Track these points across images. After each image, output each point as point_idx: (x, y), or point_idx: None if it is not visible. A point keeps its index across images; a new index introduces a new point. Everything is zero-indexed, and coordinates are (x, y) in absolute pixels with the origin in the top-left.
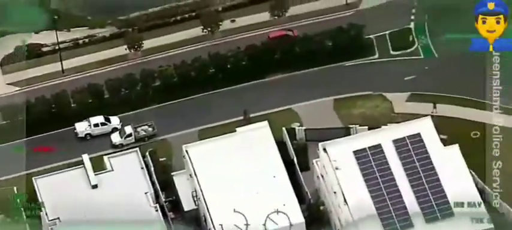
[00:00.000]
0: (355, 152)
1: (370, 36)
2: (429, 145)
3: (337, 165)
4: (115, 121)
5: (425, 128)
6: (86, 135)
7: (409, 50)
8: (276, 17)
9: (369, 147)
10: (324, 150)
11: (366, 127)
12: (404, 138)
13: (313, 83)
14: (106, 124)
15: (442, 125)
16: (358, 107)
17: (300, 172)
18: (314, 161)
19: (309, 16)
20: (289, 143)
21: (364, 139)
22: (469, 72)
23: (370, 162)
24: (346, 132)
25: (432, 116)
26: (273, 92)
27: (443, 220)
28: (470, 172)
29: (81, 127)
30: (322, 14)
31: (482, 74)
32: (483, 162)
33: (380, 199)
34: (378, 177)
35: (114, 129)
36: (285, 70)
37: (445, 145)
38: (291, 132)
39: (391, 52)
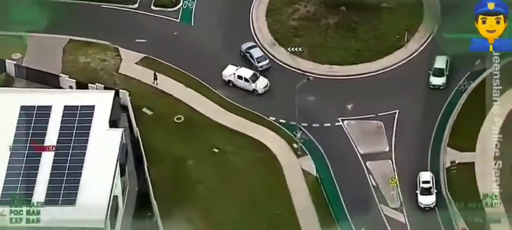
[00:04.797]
0: (23, 107)
1: None
2: (95, 122)
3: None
4: (261, 83)
5: (103, 102)
6: (229, 81)
7: (170, 9)
8: None
9: (38, 106)
10: None
11: (74, 80)
12: (77, 106)
13: (58, 17)
14: (248, 82)
15: (156, 100)
16: (86, 55)
17: None
18: None
19: None
20: None
21: (39, 96)
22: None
23: (31, 122)
24: (56, 79)
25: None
26: None
27: (61, 206)
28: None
29: (228, 72)
30: None
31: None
32: (156, 146)
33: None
34: (27, 140)
35: (254, 90)
36: None
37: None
38: (2, 65)
39: (152, 6)
